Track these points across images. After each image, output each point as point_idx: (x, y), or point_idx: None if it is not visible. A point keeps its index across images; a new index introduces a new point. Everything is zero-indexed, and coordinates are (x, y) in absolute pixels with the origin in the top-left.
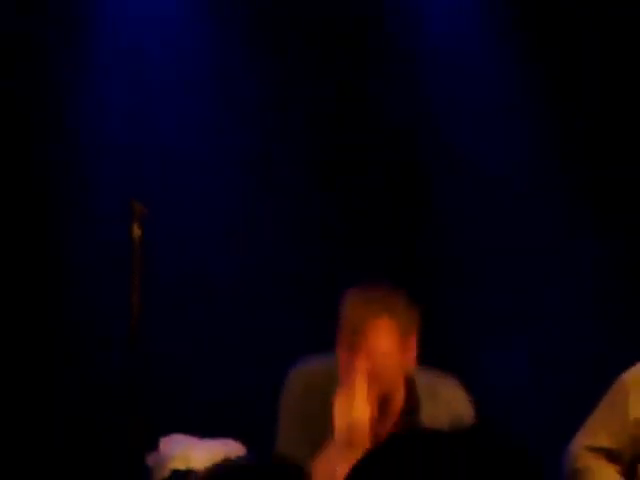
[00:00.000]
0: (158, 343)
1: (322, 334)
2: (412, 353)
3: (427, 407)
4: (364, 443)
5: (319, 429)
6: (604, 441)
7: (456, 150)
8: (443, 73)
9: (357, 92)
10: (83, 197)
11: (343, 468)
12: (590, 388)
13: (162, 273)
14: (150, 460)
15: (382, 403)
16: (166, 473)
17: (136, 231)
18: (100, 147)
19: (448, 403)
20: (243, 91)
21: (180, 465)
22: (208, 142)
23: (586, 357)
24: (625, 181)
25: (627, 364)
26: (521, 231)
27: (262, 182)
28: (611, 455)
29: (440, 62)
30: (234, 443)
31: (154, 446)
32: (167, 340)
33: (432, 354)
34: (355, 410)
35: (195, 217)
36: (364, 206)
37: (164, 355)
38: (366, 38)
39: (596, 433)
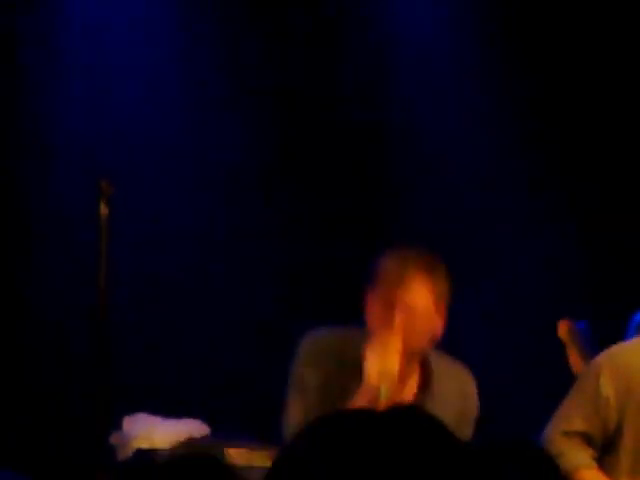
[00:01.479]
0: (125, 323)
1: (284, 315)
2: (442, 320)
3: (441, 386)
4: (392, 394)
5: (332, 394)
6: (578, 425)
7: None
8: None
9: (325, 89)
10: (50, 175)
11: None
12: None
13: (129, 254)
14: (114, 439)
15: (405, 364)
16: (130, 452)
17: (103, 210)
18: (65, 126)
19: (461, 390)
20: (208, 75)
21: (144, 444)
22: (175, 123)
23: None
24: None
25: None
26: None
27: (228, 164)
28: (585, 439)
29: (408, 58)
30: (197, 423)
31: (118, 425)
32: (133, 320)
33: None
34: (387, 361)
35: (161, 196)
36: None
37: (130, 335)
38: (336, 32)
39: (570, 417)
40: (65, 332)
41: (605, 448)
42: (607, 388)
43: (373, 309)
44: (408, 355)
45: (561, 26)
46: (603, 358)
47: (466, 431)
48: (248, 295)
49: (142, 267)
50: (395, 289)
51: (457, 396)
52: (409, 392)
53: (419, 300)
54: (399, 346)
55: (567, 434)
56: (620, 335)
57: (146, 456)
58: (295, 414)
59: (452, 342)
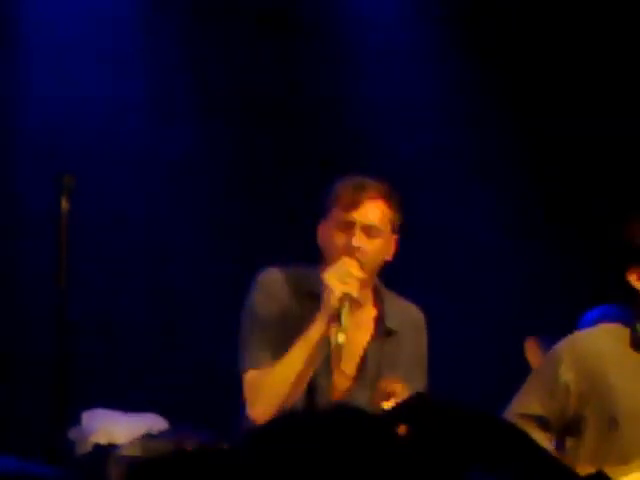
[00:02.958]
0: (84, 318)
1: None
2: (393, 246)
3: (395, 321)
4: (351, 316)
5: (290, 326)
6: (535, 408)
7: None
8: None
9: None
10: (10, 169)
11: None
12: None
13: (89, 246)
14: (72, 434)
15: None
16: (88, 447)
17: (64, 204)
18: (26, 121)
19: (413, 323)
20: (171, 72)
21: (102, 439)
22: (136, 119)
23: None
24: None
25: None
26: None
27: (189, 161)
28: (542, 422)
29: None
30: (156, 417)
31: (76, 420)
32: (93, 315)
33: None
34: (347, 282)
35: (122, 189)
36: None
37: (90, 330)
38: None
39: (528, 400)
40: (24, 328)
41: (567, 433)
42: (567, 375)
43: (329, 234)
44: (363, 280)
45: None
46: (564, 345)
47: (418, 372)
48: (209, 288)
49: (103, 261)
50: (352, 210)
51: (410, 329)
52: (367, 327)
53: (374, 219)
54: (358, 267)
55: (523, 417)
56: None
57: (105, 451)
58: (254, 349)
59: None
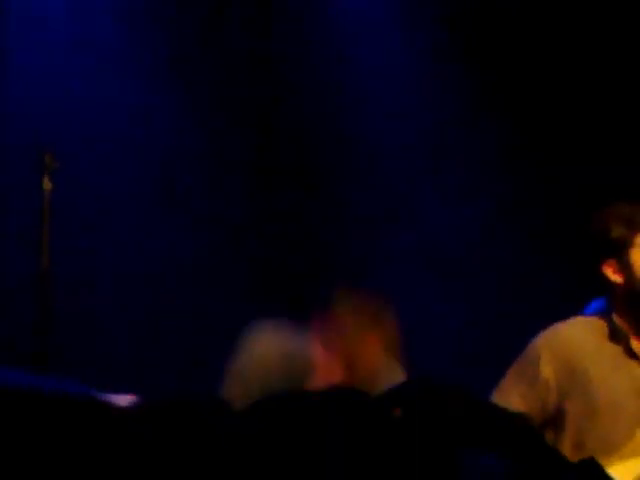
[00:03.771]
0: (66, 298)
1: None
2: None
3: None
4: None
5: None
6: (516, 404)
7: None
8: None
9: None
10: None
11: None
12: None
13: (72, 226)
14: None
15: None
16: None
17: (47, 184)
18: (8, 99)
19: None
20: (156, 53)
21: None
22: (119, 101)
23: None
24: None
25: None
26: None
27: (173, 141)
28: None
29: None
30: (133, 399)
31: None
32: (76, 295)
33: None
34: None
35: (106, 169)
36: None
37: (71, 311)
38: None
39: (508, 396)
40: (4, 310)
41: (547, 428)
42: (546, 369)
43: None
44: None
45: None
46: (542, 339)
47: None
48: (191, 265)
49: (85, 242)
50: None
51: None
52: None
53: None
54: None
55: None
56: None
57: None
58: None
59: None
